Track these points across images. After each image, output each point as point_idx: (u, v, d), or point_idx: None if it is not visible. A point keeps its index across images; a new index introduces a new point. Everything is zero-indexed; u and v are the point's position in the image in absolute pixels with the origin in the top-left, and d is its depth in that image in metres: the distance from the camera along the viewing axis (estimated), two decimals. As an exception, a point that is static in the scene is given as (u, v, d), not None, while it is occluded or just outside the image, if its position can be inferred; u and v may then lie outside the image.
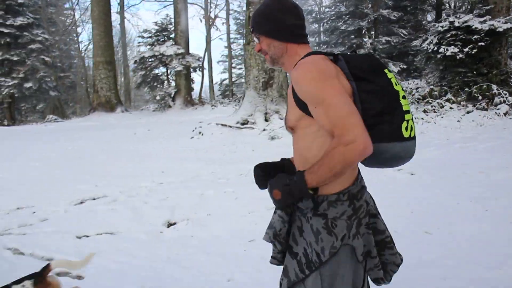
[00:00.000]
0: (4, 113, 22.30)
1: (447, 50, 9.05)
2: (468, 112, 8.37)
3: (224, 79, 28.62)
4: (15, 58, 21.00)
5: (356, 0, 19.10)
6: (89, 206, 5.11)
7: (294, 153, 1.68)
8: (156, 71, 15.84)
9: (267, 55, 1.68)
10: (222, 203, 4.82)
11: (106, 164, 7.14)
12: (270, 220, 1.78)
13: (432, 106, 8.62)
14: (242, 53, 29.34)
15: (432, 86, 9.19)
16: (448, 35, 9.26)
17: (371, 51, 16.01)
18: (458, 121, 8.02)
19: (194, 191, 5.29)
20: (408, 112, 1.52)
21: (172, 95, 15.39)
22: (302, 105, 1.50)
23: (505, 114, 8.14)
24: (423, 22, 20.61)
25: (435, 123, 8.04)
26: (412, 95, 9.38)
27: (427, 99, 8.91)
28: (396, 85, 1.53)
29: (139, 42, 16.32)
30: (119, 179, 6.10)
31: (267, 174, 1.77)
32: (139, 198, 5.20)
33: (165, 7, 28.40)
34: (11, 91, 20.73)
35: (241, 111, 8.67)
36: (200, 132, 8.58)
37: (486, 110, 8.45)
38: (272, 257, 1.76)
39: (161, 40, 15.75)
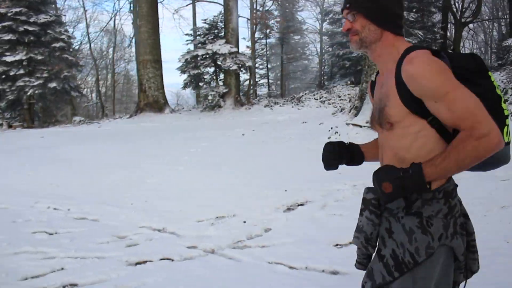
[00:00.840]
0: (23, 115, 21.37)
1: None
2: None
3: (246, 80, 28.15)
4: (39, 57, 20.08)
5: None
6: (305, 213, 4.70)
7: (384, 150, 1.62)
8: (203, 70, 15.27)
9: (356, 36, 1.57)
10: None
11: (267, 166, 6.70)
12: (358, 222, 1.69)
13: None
14: (265, 53, 28.90)
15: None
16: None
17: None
18: None
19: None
20: (507, 117, 1.50)
21: (221, 95, 14.90)
22: (410, 103, 1.44)
23: None
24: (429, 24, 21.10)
25: None
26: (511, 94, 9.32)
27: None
28: (498, 89, 1.50)
29: (186, 40, 15.72)
30: (302, 182, 5.69)
31: (339, 153, 1.80)
32: (353, 202, 4.81)
33: (187, 5, 27.64)
34: (36, 91, 19.82)
35: (367, 110, 8.35)
36: (336, 132, 8.21)
37: None
38: (358, 262, 1.68)
39: (210, 38, 15.23)
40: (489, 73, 1.50)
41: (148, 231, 4.61)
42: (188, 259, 3.90)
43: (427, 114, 1.46)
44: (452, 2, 26.17)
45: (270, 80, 32.45)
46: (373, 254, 1.61)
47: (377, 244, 1.60)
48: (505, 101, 1.51)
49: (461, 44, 33.32)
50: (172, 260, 3.85)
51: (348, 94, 15.76)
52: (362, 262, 1.67)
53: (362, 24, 1.56)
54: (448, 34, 28.90)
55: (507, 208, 4.46)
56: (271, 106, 15.02)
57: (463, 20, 25.86)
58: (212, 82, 15.99)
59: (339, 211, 4.67)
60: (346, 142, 1.87)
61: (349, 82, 19.69)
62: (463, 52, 1.52)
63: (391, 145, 1.57)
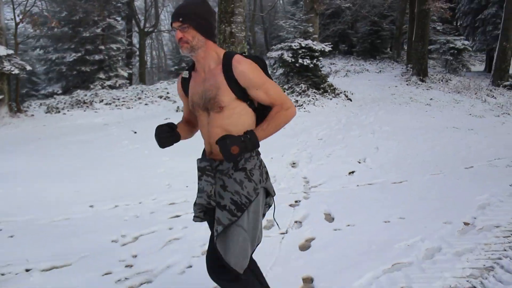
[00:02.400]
0: None
1: (304, 61, 14.00)
2: (330, 99, 13.82)
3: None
4: None
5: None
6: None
7: (211, 128, 2.05)
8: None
9: (187, 44, 1.96)
10: None
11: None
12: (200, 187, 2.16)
13: (312, 98, 13.47)
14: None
15: (302, 85, 14.00)
16: (301, 52, 14.18)
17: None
18: (337, 103, 13.38)
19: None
20: None
21: (-5, 102, 13.02)
22: (237, 91, 1.98)
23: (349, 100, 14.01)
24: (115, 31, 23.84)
25: (326, 106, 12.97)
26: (292, 91, 13.89)
27: (306, 92, 13.71)
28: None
29: None
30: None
31: (172, 132, 2.12)
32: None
33: None
34: None
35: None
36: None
37: (336, 97, 14.22)
38: (195, 216, 2.18)
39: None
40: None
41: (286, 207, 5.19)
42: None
43: (247, 99, 2.04)
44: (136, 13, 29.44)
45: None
46: (216, 208, 2.04)
47: (216, 199, 2.05)
48: None
49: (146, 51, 37.24)
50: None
51: (121, 96, 16.91)
52: (199, 216, 2.18)
53: (192, 35, 1.95)
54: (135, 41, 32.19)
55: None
56: (56, 111, 14.33)
57: (146, 29, 29.83)
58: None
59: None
60: (173, 123, 2.20)
61: (92, 86, 19.82)
62: (252, 55, 2.06)
63: (220, 123, 2.02)
